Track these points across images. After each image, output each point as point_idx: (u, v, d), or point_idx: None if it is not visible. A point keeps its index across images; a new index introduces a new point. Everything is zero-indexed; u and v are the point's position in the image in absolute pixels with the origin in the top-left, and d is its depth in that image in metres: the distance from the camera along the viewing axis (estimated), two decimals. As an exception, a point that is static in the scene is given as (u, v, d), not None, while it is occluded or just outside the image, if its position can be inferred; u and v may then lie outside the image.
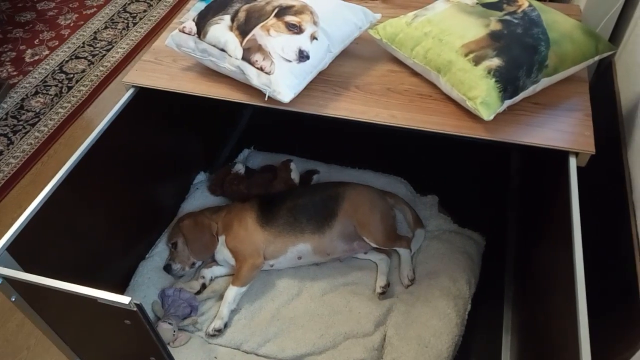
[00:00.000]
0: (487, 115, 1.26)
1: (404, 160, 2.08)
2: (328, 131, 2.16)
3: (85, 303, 1.09)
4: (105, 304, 1.07)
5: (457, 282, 1.71)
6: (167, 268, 1.72)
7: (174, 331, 1.62)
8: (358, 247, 1.75)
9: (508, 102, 1.29)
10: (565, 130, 1.31)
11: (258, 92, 1.42)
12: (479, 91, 1.25)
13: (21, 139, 2.59)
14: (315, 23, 1.39)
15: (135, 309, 1.08)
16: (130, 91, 1.57)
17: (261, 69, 1.34)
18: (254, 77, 1.36)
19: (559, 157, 1.33)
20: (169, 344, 1.61)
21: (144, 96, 1.59)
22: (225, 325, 1.61)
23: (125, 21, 3.37)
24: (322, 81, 1.50)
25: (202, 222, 1.75)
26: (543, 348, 1.22)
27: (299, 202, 1.72)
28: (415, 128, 1.37)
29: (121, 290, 1.72)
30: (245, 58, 1.36)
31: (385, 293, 1.70)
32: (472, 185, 2.02)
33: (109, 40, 3.22)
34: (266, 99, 1.39)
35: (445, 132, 1.36)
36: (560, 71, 1.33)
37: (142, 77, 1.58)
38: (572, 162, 1.25)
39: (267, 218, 1.70)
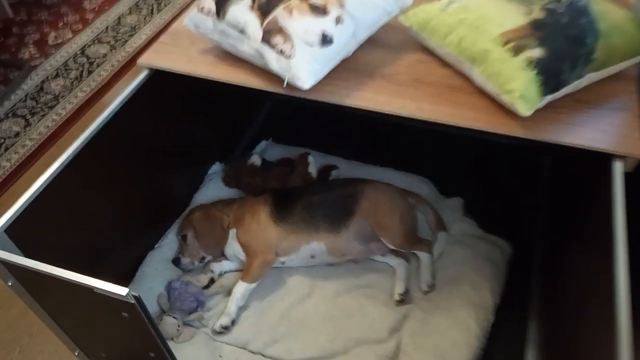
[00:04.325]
0: (525, 110, 1.15)
1: (428, 159, 1.97)
2: (349, 125, 2.05)
3: (82, 292, 1.02)
4: (102, 294, 0.99)
5: (480, 290, 1.61)
6: (176, 261, 1.65)
7: (179, 326, 1.54)
8: (375, 248, 1.67)
9: (549, 98, 1.18)
10: (610, 132, 1.19)
11: (278, 79, 1.33)
12: (518, 84, 1.15)
13: (38, 121, 2.56)
14: (341, 5, 1.29)
15: (133, 301, 1.00)
16: (145, 73, 1.50)
17: (281, 53, 1.25)
18: (273, 62, 1.27)
19: (600, 161, 1.21)
20: (172, 339, 1.54)
21: (159, 79, 1.51)
22: (233, 323, 1.55)
23: (150, 7, 3.33)
24: (345, 69, 1.40)
25: (214, 215, 1.68)
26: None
27: (315, 198, 1.64)
28: (444, 122, 1.27)
29: (127, 281, 1.65)
30: (265, 40, 1.27)
31: (403, 301, 1.59)
32: (499, 189, 1.91)
33: (133, 26, 3.18)
34: (284, 85, 1.30)
35: (477, 128, 1.25)
36: (607, 66, 1.21)
37: (158, 58, 1.51)
38: (618, 167, 1.14)
39: (281, 213, 1.62)
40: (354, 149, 2.01)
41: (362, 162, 1.98)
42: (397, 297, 1.59)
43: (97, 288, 0.99)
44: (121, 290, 0.99)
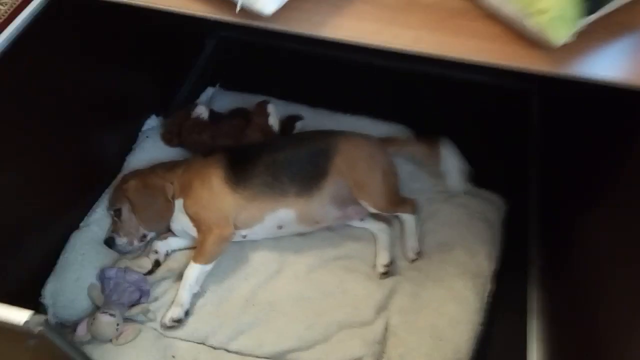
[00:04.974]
0: (559, 37, 0.90)
1: (406, 104, 1.80)
2: (314, 65, 1.83)
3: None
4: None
5: (476, 256, 1.42)
6: (109, 242, 1.41)
7: (118, 324, 1.27)
8: (353, 213, 1.49)
9: (589, 19, 0.91)
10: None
11: (229, 5, 1.00)
12: (551, 2, 0.86)
13: None
14: None
15: (40, 328, 0.69)
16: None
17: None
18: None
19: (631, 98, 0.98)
20: (110, 340, 1.25)
21: (67, 6, 1.17)
22: (186, 314, 1.34)
23: None
24: (317, -11, 1.08)
25: (154, 183, 1.43)
26: (585, 337, 1.08)
27: (279, 156, 1.42)
28: (449, 57, 1.00)
29: (46, 272, 1.35)
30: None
31: (388, 273, 1.42)
32: (485, 137, 1.71)
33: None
34: (237, 11, 0.97)
35: (490, 62, 0.99)
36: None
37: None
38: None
39: (238, 176, 1.40)
40: (320, 95, 1.80)
41: (332, 109, 1.77)
42: (381, 269, 1.43)
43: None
44: (18, 317, 0.66)
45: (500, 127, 1.79)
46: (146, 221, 1.42)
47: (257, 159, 1.42)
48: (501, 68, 1.00)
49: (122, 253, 1.42)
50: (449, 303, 1.33)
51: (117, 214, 1.42)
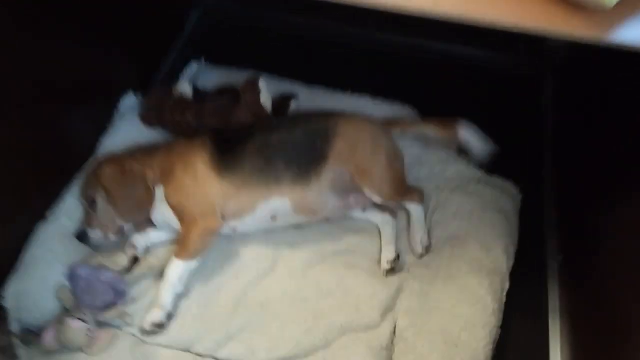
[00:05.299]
0: None
1: (411, 84, 1.69)
2: (310, 39, 1.71)
3: None
4: None
5: (491, 251, 1.30)
6: (81, 236, 1.28)
7: (90, 330, 1.15)
8: (355, 202, 1.37)
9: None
10: None
11: None
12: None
13: None
14: None
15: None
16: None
17: None
18: None
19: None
20: (82, 349, 1.14)
21: None
22: (169, 317, 1.22)
23: None
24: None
25: (132, 168, 1.30)
26: (611, 338, 1.02)
27: (272, 138, 1.31)
28: (478, 21, 0.86)
29: (7, 270, 1.22)
30: None
31: (394, 270, 1.31)
32: (496, 121, 1.53)
33: None
34: None
35: (527, 28, 0.85)
36: None
37: None
38: None
39: (226, 161, 1.29)
40: (317, 72, 1.69)
41: (329, 88, 1.65)
42: (386, 265, 1.33)
43: None
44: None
45: (512, 110, 1.68)
46: (124, 212, 1.28)
47: (248, 142, 1.30)
48: (534, 34, 0.86)
49: (96, 248, 1.30)
50: (462, 304, 1.22)
51: (90, 204, 1.29)
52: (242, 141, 1.30)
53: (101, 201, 1.28)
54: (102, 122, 1.51)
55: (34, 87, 1.22)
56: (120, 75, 1.60)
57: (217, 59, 1.75)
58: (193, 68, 1.69)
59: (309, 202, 1.30)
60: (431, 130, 1.43)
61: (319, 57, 1.75)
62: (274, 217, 1.31)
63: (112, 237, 1.29)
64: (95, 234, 1.27)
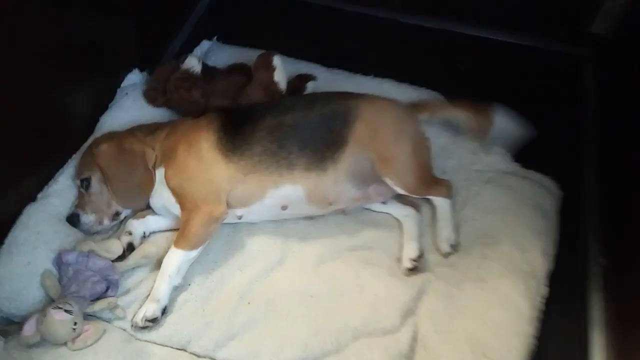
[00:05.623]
0: None
1: (440, 67, 1.59)
2: (331, 19, 1.62)
3: None
4: None
5: (527, 252, 1.19)
6: (73, 219, 1.19)
7: (75, 323, 1.02)
8: (375, 193, 1.27)
9: None
10: None
11: None
12: None
13: None
14: None
15: None
16: None
17: None
18: None
19: None
20: (65, 344, 1.03)
21: None
22: (164, 312, 1.12)
23: None
24: None
25: (132, 147, 1.22)
26: None
27: (286, 119, 1.21)
28: None
29: None
30: None
31: (416, 269, 1.19)
32: (532, 109, 1.42)
33: None
34: None
35: None
36: None
37: None
38: None
39: (235, 142, 1.19)
40: (338, 54, 1.60)
41: (350, 71, 1.55)
42: (407, 264, 1.21)
43: None
44: None
45: (549, 98, 1.56)
46: (120, 195, 1.19)
47: (259, 122, 1.19)
48: None
49: (89, 233, 1.20)
50: (493, 309, 1.09)
51: (84, 184, 1.20)
52: (253, 121, 1.19)
53: (96, 182, 1.19)
54: (103, 99, 1.42)
55: (33, 55, 1.14)
56: (126, 50, 1.52)
57: (230, 37, 1.66)
58: (204, 46, 1.62)
59: (324, 191, 1.19)
60: (462, 115, 1.31)
61: (340, 38, 1.67)
62: (284, 207, 1.20)
63: (107, 222, 1.20)
64: (88, 218, 1.18)
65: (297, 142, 1.17)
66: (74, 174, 1.23)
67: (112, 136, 1.25)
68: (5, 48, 1.06)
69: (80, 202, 1.19)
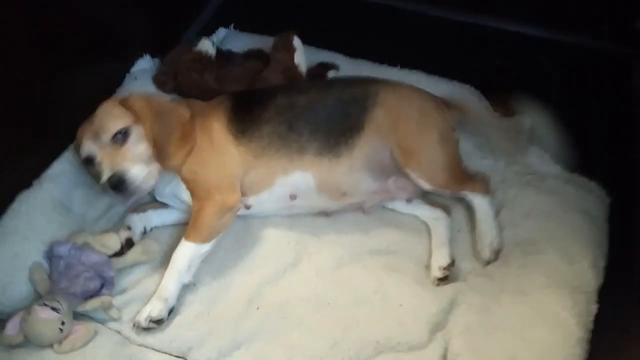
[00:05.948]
0: None
1: (475, 60, 1.48)
2: (356, 7, 1.51)
3: None
4: None
5: (576, 263, 1.07)
6: (117, 179, 0.99)
7: (63, 323, 0.93)
8: (395, 188, 1.16)
9: None
10: None
11: None
12: None
13: None
14: None
15: None
16: None
17: None
18: None
19: None
20: (51, 345, 0.93)
21: None
22: (170, 312, 1.01)
23: None
24: None
25: (166, 105, 1.11)
26: None
27: (299, 99, 1.13)
28: None
29: None
30: None
31: (447, 278, 1.09)
32: (578, 111, 1.36)
33: None
34: None
35: None
36: None
37: None
38: None
39: (244, 123, 1.11)
40: (362, 43, 1.51)
41: (375, 61, 1.47)
42: (437, 273, 1.10)
43: None
44: None
45: (596, 99, 1.45)
46: (164, 151, 1.03)
47: (270, 101, 1.10)
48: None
49: (140, 195, 1.05)
50: (536, 326, 0.98)
51: (119, 137, 1.02)
52: (264, 100, 1.10)
53: (136, 133, 1.02)
54: (111, 84, 1.36)
55: (40, 35, 1.10)
56: (138, 36, 1.47)
57: (247, 25, 1.59)
58: (220, 34, 1.56)
59: (337, 179, 1.10)
60: (493, 133, 1.21)
61: (365, 28, 1.59)
62: (293, 196, 1.12)
63: (152, 183, 1.03)
64: (139, 171, 1.00)
65: (309, 125, 1.10)
66: (89, 135, 1.04)
67: (134, 95, 1.11)
68: (13, 30, 1.02)
69: (113, 161, 1.00)
